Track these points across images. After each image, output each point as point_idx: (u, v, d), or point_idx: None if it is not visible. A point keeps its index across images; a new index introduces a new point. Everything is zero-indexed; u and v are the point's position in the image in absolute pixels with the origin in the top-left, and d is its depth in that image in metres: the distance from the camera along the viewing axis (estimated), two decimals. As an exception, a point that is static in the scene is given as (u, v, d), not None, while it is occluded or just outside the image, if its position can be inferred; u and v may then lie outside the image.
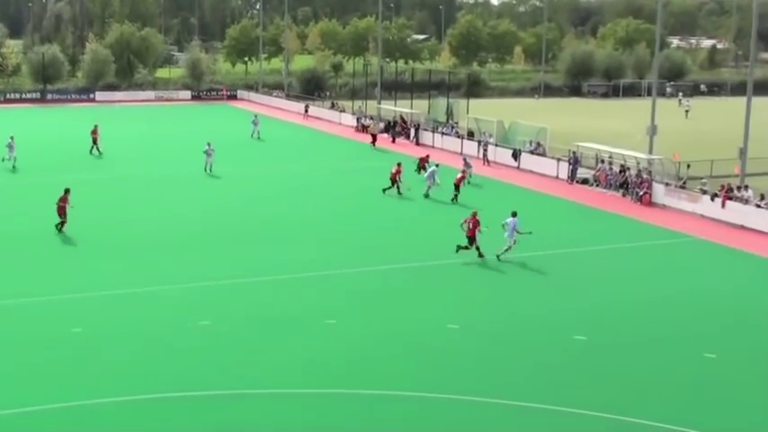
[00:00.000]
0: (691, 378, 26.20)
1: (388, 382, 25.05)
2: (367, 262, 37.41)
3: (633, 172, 54.45)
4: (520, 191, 54.91)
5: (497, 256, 37.43)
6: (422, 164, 56.19)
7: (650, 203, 51.36)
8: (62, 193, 40.97)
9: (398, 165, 51.89)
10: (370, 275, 35.73)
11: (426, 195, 50.48)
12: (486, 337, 29.03)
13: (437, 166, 52.41)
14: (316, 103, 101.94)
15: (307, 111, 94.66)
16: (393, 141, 75.87)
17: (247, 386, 24.60)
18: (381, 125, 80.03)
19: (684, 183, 52.92)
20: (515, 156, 64.01)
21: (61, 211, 40.62)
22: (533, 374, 26.17)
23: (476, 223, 37.62)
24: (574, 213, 48.38)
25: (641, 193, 51.89)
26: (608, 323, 30.68)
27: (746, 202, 47.37)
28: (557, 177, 59.37)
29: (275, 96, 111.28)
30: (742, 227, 45.87)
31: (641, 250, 40.26)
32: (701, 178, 53.08)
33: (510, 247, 37.63)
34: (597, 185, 55.96)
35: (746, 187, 48.96)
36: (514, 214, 37.88)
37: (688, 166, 55.57)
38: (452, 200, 49.18)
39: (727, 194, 48.05)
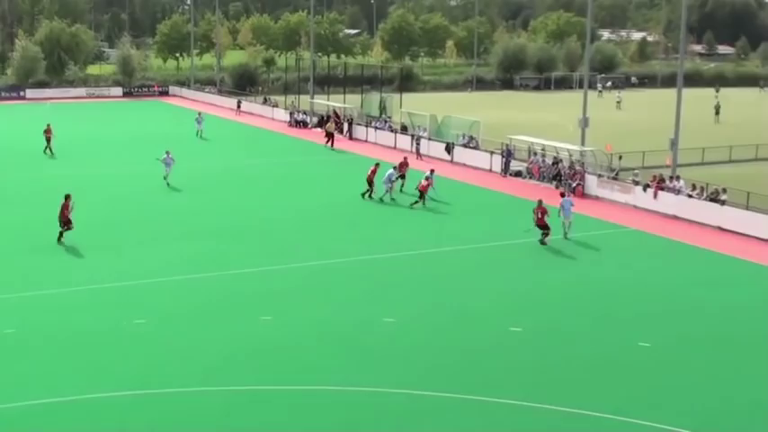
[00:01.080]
0: (627, 366, 26.18)
1: (323, 377, 24.83)
2: (304, 257, 36.95)
3: (566, 164, 54.59)
4: (454, 184, 54.65)
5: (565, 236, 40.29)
6: (402, 170, 51.08)
7: (583, 195, 51.46)
8: (62, 200, 38.14)
9: (376, 165, 49.44)
10: (307, 271, 35.26)
11: (381, 200, 48.19)
12: (423, 329, 28.81)
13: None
14: (248, 98, 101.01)
15: (239, 106, 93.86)
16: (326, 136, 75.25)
17: (179, 384, 24.26)
18: (316, 120, 79.33)
19: (617, 174, 53.16)
20: (448, 149, 63.82)
21: (64, 219, 37.82)
22: (469, 366, 26.01)
23: (544, 211, 39.25)
24: (508, 206, 48.26)
25: (574, 185, 51.97)
26: (544, 313, 30.63)
27: (678, 192, 47.66)
28: (490, 170, 59.31)
29: (207, 92, 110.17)
30: (675, 217, 46.14)
31: (575, 241, 40.21)
32: (633, 169, 53.33)
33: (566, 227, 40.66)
34: (530, 178, 55.98)
35: (678, 178, 49.26)
36: (562, 194, 42.13)
37: (620, 157, 55.83)
38: (412, 205, 46.88)
39: (659, 185, 48.30)
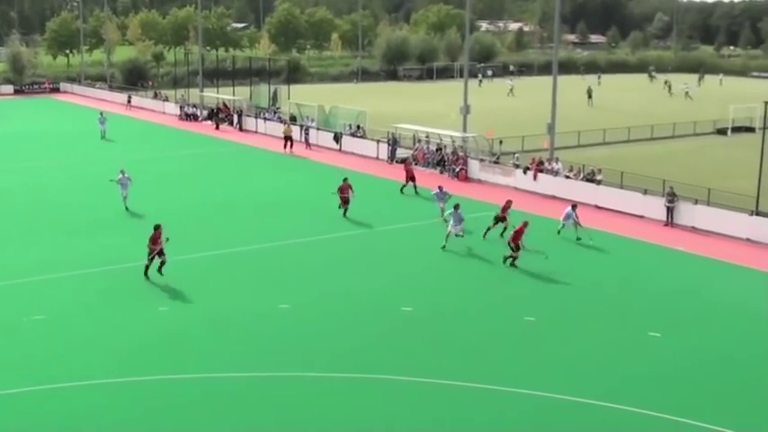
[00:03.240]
0: (514, 340, 27.86)
1: (224, 365, 25.47)
2: (199, 248, 37.70)
3: (449, 150, 56.62)
4: (342, 172, 56.12)
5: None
6: (502, 214, 40.30)
7: (467, 179, 53.63)
8: (152, 231, 33.24)
9: (345, 180, 44.00)
10: (203, 261, 36.04)
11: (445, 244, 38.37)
12: (319, 314, 29.76)
13: (456, 207, 38.70)
14: (139, 93, 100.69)
15: (129, 101, 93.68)
16: (217, 128, 76.00)
17: (84, 377, 24.66)
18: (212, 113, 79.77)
19: (498, 158, 55.53)
20: (337, 139, 65.35)
21: (154, 251, 32.98)
22: (366, 347, 27.16)
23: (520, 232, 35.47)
24: (395, 191, 49.91)
25: (458, 170, 54.12)
26: (432, 293, 32.11)
27: (556, 173, 50.23)
28: (377, 158, 61.03)
29: (98, 88, 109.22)
30: (553, 197, 48.64)
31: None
32: (514, 153, 55.79)
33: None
34: (416, 164, 57.83)
35: (556, 160, 51.82)
36: (574, 207, 40.19)
37: (500, 142, 58.21)
38: (344, 214, 43.39)
39: (538, 167, 50.78)
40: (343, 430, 21.69)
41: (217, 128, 76.11)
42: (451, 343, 27.43)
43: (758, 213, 40.91)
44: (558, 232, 39.71)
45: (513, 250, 35.10)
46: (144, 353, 26.33)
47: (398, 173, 55.66)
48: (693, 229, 41.99)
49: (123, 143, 68.19)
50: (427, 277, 33.69)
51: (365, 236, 39.80)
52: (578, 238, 39.23)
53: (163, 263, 32.91)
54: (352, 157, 62.06)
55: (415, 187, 49.16)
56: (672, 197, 42.75)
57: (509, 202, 40.56)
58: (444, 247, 37.27)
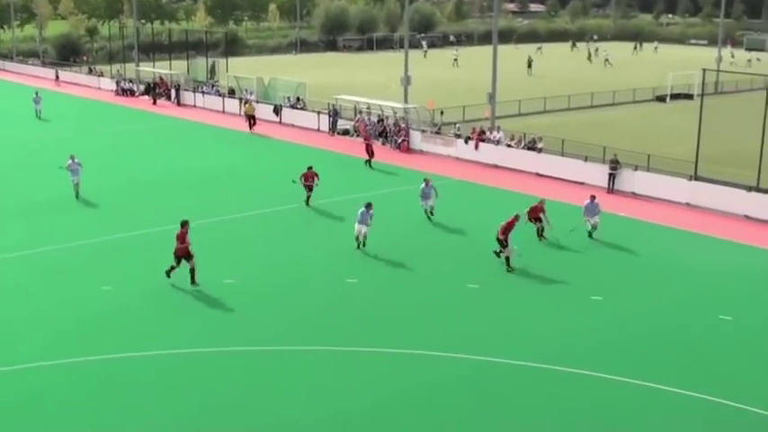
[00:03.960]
0: (456, 306, 28.03)
1: (172, 342, 25.31)
2: (141, 225, 37.32)
3: (391, 121, 56.44)
4: (283, 145, 55.87)
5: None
6: (534, 214, 34.93)
7: (409, 150, 53.53)
8: (179, 228, 29.86)
9: (310, 168, 40.78)
10: (144, 238, 35.66)
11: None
12: (265, 287, 29.65)
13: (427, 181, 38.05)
14: (73, 68, 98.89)
15: (57, 77, 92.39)
16: (154, 103, 74.88)
17: (26, 360, 24.43)
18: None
19: (439, 129, 55.48)
20: (276, 111, 64.81)
21: (183, 253, 29.59)
22: (312, 318, 27.12)
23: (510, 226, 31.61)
24: (338, 163, 49.65)
25: (400, 141, 53.98)
26: (378, 263, 32.10)
27: (498, 143, 50.32)
28: (318, 130, 60.66)
29: (31, 64, 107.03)
30: (495, 166, 48.75)
31: (404, 194, 41.91)
32: (455, 123, 55.76)
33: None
34: (357, 135, 57.60)
35: (498, 129, 51.89)
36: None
37: (441, 112, 58.16)
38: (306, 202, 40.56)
39: (480, 137, 50.81)
40: (290, 402, 21.55)
41: (154, 103, 75.01)
42: (396, 312, 27.48)
43: (697, 178, 41.35)
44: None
45: (501, 245, 31.46)
46: (87, 332, 25.97)
47: (341, 145, 55.56)
48: (634, 195, 42.35)
49: (59, 121, 66.79)
50: (370, 249, 33.55)
51: (309, 209, 39.46)
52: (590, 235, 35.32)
53: (192, 270, 29.39)
54: (293, 130, 61.60)
55: (368, 162, 48.85)
56: (614, 164, 43.03)
57: (542, 204, 35.00)
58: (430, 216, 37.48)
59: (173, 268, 29.64)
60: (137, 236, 35.70)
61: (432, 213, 37.42)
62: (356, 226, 33.63)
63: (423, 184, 37.57)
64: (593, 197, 35.57)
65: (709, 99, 43.68)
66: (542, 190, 42.86)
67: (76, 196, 41.20)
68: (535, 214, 34.45)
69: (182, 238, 29.48)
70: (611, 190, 42.89)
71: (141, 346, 24.78)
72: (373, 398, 21.83)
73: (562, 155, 47.26)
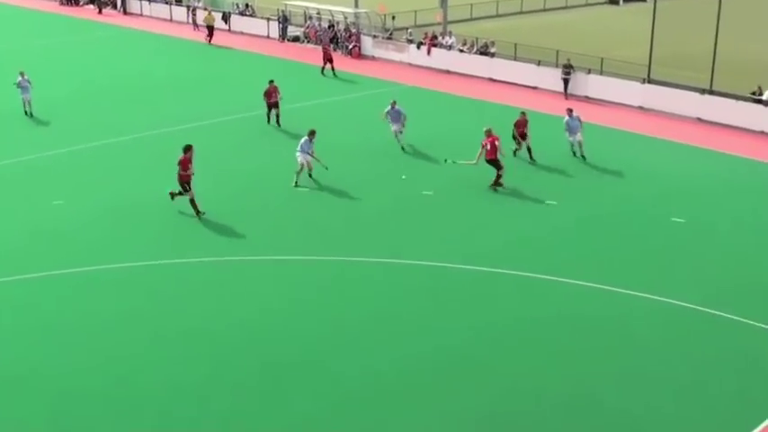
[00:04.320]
0: (414, 215, 27.91)
1: (121, 255, 25.06)
2: (89, 137, 36.59)
3: (341, 27, 55.59)
4: (233, 53, 54.92)
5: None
6: (521, 130, 33.06)
7: (360, 56, 52.87)
8: (181, 154, 27.82)
9: (271, 83, 37.65)
10: (94, 151, 35.00)
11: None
12: (214, 197, 29.17)
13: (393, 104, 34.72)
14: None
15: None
16: (100, 12, 72.86)
17: None
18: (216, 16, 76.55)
19: (391, 34, 54.75)
20: (225, 18, 63.52)
21: (185, 180, 27.59)
22: (263, 227, 26.94)
23: (494, 142, 29.69)
24: (289, 70, 48.90)
25: (351, 47, 53.24)
26: (330, 172, 31.32)
27: (450, 48, 49.78)
28: (268, 37, 59.67)
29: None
30: (447, 71, 48.35)
31: (357, 101, 41.57)
32: (407, 28, 55.08)
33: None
34: (308, 42, 56.76)
35: (450, 34, 51.30)
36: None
37: (393, 17, 57.37)
38: (277, 122, 37.85)
39: (432, 42, 50.25)
40: (243, 309, 21.44)
41: (100, 12, 73.02)
42: (344, 220, 27.37)
43: (650, 81, 41.32)
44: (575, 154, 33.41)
45: (497, 168, 29.68)
46: (40, 247, 25.59)
47: (292, 51, 54.79)
48: (587, 99, 42.26)
49: (0, 32, 65.12)
50: (327, 156, 33.16)
51: (259, 117, 38.84)
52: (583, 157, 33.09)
53: (192, 201, 27.33)
54: (242, 37, 60.55)
55: (323, 69, 47.98)
56: (568, 69, 42.78)
57: (524, 118, 33.07)
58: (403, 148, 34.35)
59: (180, 194, 27.79)
60: (85, 149, 35.00)
61: (399, 140, 34.03)
62: (298, 156, 30.19)
63: (389, 107, 34.06)
64: (570, 111, 33.18)
65: (662, 1, 43.37)
66: (496, 95, 42.73)
67: (28, 114, 39.63)
68: (521, 129, 32.66)
69: (184, 164, 27.46)
70: (565, 94, 42.73)
71: (92, 260, 24.45)
72: (334, 304, 21.77)
73: (515, 59, 46.93)
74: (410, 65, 50.26)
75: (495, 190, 29.61)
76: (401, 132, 34.06)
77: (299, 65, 50.63)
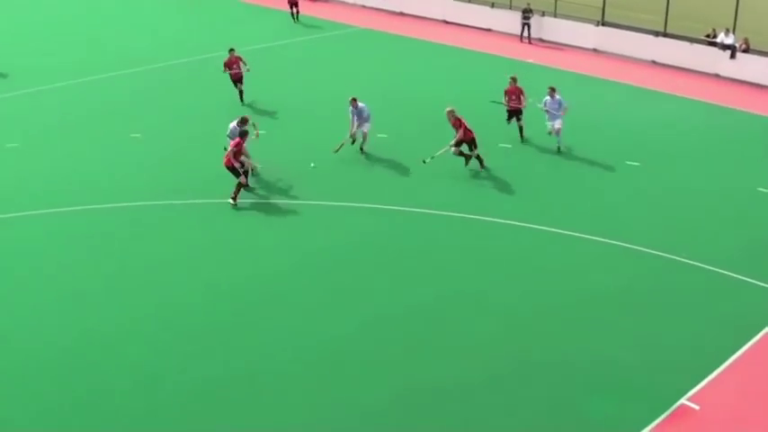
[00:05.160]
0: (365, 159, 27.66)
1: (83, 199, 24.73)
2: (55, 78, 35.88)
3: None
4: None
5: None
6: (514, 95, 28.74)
7: (314, -2, 52.14)
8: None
9: (231, 51, 32.36)
10: (51, 94, 34.31)
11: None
12: (170, 140, 28.95)
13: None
14: None
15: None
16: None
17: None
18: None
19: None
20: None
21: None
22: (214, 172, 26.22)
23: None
24: (241, 13, 48.21)
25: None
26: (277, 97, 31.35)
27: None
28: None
29: None
30: (401, 13, 47.76)
31: (318, 41, 40.94)
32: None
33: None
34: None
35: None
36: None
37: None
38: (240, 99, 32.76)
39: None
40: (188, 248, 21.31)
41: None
42: (298, 140, 26.79)
43: (604, 24, 41.10)
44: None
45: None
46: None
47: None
48: (541, 41, 41.96)
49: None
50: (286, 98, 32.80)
51: (214, 59, 37.97)
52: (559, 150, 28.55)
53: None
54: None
55: (296, 15, 46.91)
56: (527, 13, 41.98)
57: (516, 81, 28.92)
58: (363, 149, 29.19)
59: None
60: (43, 91, 34.23)
61: (363, 148, 27.87)
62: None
63: (350, 106, 27.45)
64: (552, 90, 28.01)
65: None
66: (449, 38, 42.37)
67: None
68: (515, 95, 28.63)
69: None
70: (527, 39, 42.05)
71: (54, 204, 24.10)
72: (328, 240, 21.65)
73: (469, 2, 46.37)
74: (363, 7, 49.58)
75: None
76: (363, 136, 27.66)
77: (252, 7, 49.73)
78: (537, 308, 18.82)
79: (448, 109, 26.53)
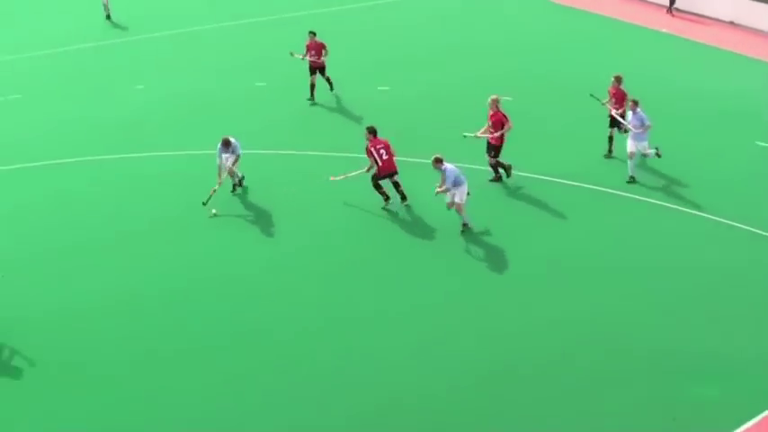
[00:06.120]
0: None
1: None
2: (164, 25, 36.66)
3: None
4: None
5: None
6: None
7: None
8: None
9: None
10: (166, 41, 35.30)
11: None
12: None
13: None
14: None
15: None
16: None
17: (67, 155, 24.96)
18: None
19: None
20: None
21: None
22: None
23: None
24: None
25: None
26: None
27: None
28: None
29: None
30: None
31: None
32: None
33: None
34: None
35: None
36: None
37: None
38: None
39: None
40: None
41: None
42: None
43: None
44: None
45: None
46: (125, 130, 26.47)
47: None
48: (678, 11, 40.07)
49: None
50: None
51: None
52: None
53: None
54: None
55: None
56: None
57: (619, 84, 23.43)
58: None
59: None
60: (156, 38, 35.45)
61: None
62: (221, 162, 22.31)
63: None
64: (634, 104, 22.44)
65: None
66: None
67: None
68: (616, 99, 23.36)
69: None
70: (671, 10, 39.55)
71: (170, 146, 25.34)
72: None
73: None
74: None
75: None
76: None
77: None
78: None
79: (492, 97, 22.17)
